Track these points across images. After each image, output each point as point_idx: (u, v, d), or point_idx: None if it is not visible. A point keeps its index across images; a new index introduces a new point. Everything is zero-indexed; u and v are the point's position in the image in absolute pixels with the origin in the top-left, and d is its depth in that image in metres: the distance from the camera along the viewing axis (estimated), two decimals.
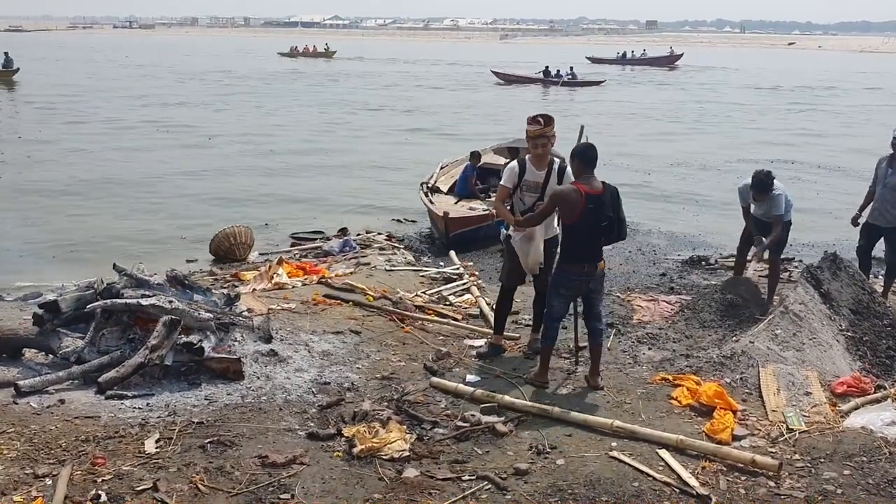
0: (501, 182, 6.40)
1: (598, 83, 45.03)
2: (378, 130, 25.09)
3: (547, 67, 47.15)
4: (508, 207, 6.37)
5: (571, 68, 47.53)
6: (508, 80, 47.07)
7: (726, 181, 17.56)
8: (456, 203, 12.22)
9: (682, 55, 68.89)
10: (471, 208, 11.79)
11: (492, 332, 6.90)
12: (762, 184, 7.40)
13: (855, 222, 8.24)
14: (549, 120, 6.14)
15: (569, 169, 6.24)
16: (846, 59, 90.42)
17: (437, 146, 20.87)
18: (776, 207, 7.47)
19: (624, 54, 66.45)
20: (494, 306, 6.94)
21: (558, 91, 42.56)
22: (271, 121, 26.59)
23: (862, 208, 8.23)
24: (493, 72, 48.97)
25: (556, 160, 6.29)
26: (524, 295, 7.55)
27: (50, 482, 4.23)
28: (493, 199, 11.99)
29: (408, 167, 18.07)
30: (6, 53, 38.95)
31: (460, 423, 5.15)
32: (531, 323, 6.88)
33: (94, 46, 44.57)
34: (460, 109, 31.96)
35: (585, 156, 5.62)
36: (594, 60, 61.55)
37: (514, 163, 6.35)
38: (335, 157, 19.97)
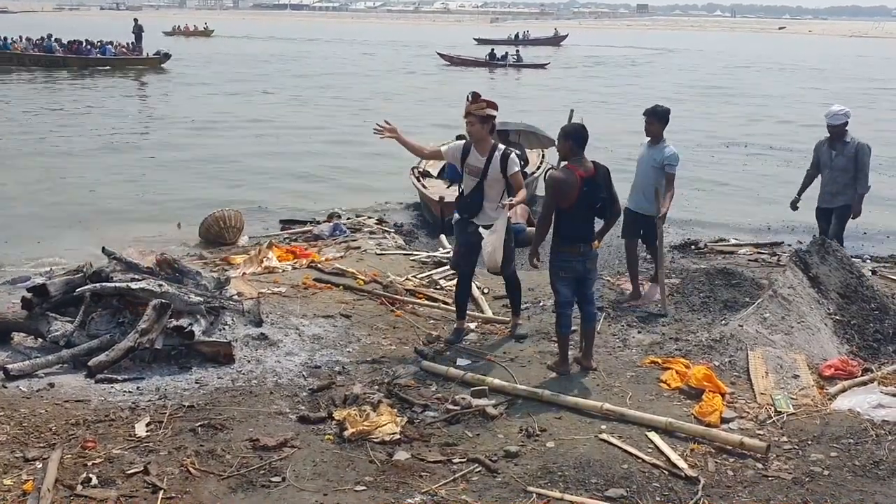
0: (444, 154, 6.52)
1: (542, 66, 45.69)
2: (342, 113, 24.93)
3: (493, 50, 47.88)
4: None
5: (518, 51, 48.15)
6: (453, 62, 47.26)
7: (712, 165, 17.68)
8: (448, 187, 12.20)
9: (566, 36, 71.58)
10: None
11: (483, 315, 6.93)
12: (658, 111, 7.05)
13: (794, 206, 8.31)
14: (475, 96, 6.15)
15: (512, 155, 6.21)
16: (837, 44, 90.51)
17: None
18: (671, 165, 6.99)
19: (517, 35, 67.54)
20: (454, 292, 6.93)
21: (506, 73, 43.09)
22: (243, 106, 26.27)
23: (800, 192, 8.30)
24: (438, 53, 49.13)
25: (500, 147, 6.27)
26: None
27: (40, 466, 4.23)
28: None
29: (385, 151, 18.09)
30: (160, 50, 38.76)
31: (451, 407, 5.17)
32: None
33: (74, 29, 43.94)
34: (404, 92, 31.64)
35: (578, 136, 5.62)
36: (481, 41, 62.63)
37: (461, 142, 6.40)
38: (311, 141, 19.84)
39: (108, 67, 36.17)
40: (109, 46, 38.36)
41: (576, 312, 6.00)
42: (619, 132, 19.54)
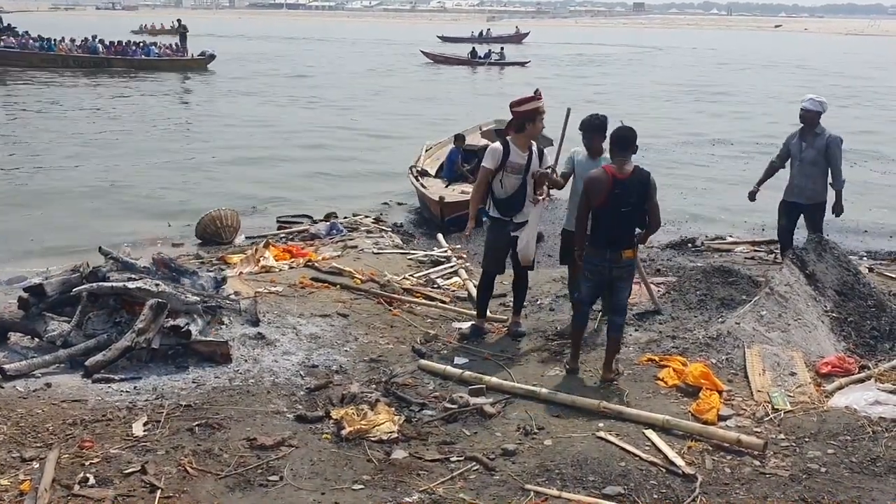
0: (483, 163, 6.38)
1: (522, 64, 46.45)
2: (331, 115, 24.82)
3: (474, 48, 48.82)
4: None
5: (502, 48, 49.23)
6: (437, 60, 48.01)
7: (707, 162, 17.72)
8: (446, 186, 12.21)
9: (528, 34, 72.97)
10: (463, 192, 11.76)
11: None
12: (597, 123, 6.31)
13: (752, 197, 8.06)
14: (540, 94, 6.26)
15: (545, 151, 6.35)
16: (833, 42, 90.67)
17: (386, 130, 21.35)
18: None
19: (481, 33, 68.85)
20: (475, 290, 6.97)
21: (488, 70, 44.00)
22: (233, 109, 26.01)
23: (761, 182, 8.07)
24: (422, 52, 49.97)
25: (533, 143, 6.35)
26: (512, 277, 7.56)
27: (37, 465, 4.22)
28: None
29: (382, 150, 18.20)
30: (205, 51, 38.51)
31: (448, 405, 5.17)
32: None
33: (72, 28, 44.31)
34: (391, 91, 31.58)
35: (615, 137, 5.48)
36: (445, 39, 64.02)
37: (498, 144, 6.37)
38: (304, 143, 19.69)
39: (152, 69, 35.88)
40: (153, 47, 38.21)
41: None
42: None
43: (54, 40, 37.31)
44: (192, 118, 23.32)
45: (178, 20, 40.92)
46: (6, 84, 29.83)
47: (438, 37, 65.43)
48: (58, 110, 23.25)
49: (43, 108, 23.72)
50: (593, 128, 6.27)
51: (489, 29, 72.35)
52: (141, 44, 38.53)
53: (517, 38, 71.30)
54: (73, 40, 37.88)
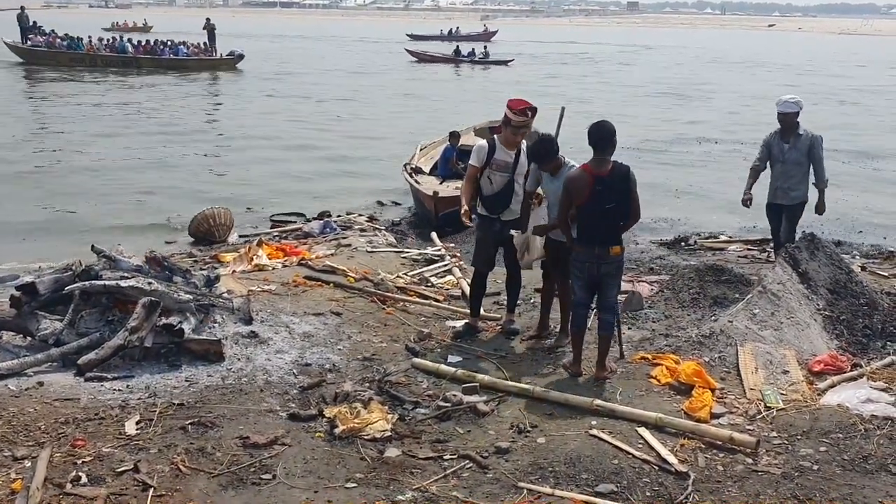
0: (470, 162, 6.40)
1: (506, 62, 46.79)
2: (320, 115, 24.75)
3: (458, 46, 49.46)
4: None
5: (485, 47, 49.88)
6: (421, 58, 48.42)
7: (698, 161, 17.74)
8: (440, 184, 12.21)
9: (496, 32, 73.81)
10: (457, 188, 11.74)
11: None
12: (549, 151, 5.96)
13: (747, 203, 7.92)
14: (535, 112, 6.18)
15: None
16: (826, 42, 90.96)
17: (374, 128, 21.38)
18: None
19: (451, 31, 70.20)
20: (468, 289, 6.97)
21: (472, 69, 44.40)
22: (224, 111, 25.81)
23: (749, 187, 7.91)
24: (406, 50, 50.48)
25: (523, 142, 6.36)
26: (505, 275, 7.56)
27: (29, 464, 4.21)
28: None
29: (375, 150, 18.24)
30: (234, 50, 38.16)
31: (442, 403, 5.17)
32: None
33: (75, 27, 44.40)
34: (380, 90, 31.56)
35: (592, 135, 5.44)
36: (414, 37, 64.70)
37: (484, 142, 6.39)
38: (298, 142, 19.63)
39: (180, 68, 35.52)
40: (182, 47, 37.97)
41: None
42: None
43: (81, 39, 37.06)
44: (199, 118, 23.23)
45: (208, 19, 40.22)
46: (35, 86, 29.63)
47: (408, 35, 65.98)
48: (73, 111, 23.11)
49: (61, 108, 23.63)
50: (538, 158, 5.99)
51: (458, 27, 73.92)
52: (169, 43, 38.35)
53: (485, 36, 71.68)
54: (100, 39, 37.64)
